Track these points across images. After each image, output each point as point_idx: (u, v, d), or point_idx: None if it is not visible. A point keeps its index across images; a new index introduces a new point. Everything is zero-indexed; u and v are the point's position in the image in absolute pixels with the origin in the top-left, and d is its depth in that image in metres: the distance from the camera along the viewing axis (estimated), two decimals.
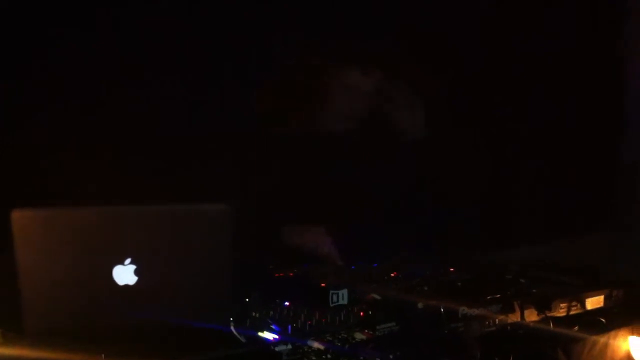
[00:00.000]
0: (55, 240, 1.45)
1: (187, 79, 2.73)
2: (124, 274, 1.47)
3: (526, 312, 1.77)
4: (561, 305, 1.81)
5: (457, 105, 3.02)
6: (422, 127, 2.67)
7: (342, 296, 1.68)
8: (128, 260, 1.47)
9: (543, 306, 1.79)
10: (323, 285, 1.71)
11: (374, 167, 2.49)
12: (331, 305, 1.67)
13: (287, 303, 1.68)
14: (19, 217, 1.44)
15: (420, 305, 1.68)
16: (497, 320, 1.73)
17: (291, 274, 1.83)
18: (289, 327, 1.55)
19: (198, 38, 2.71)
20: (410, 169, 2.55)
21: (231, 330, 1.52)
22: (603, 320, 1.82)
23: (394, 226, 2.39)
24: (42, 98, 2.54)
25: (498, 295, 1.76)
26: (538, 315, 1.78)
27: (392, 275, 1.92)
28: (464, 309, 1.69)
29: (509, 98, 3.20)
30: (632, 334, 1.88)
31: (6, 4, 2.46)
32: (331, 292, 1.67)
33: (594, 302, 1.87)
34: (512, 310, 1.75)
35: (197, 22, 2.73)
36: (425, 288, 1.79)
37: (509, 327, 1.74)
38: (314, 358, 1.49)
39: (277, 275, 1.83)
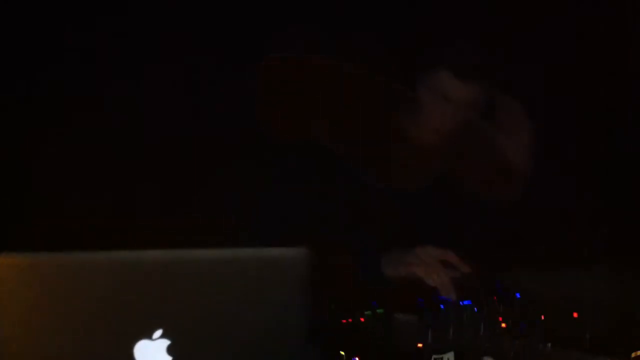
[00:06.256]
0: (52, 299, 0.99)
1: (187, 78, 2.73)
2: (152, 352, 1.02)
3: None
4: None
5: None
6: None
7: None
8: (158, 333, 1.02)
9: None
10: (420, 345, 1.30)
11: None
12: None
13: None
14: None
15: None
16: None
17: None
18: None
19: (198, 38, 2.72)
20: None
21: None
22: None
23: None
24: (39, 100, 2.53)
25: None
26: None
27: (500, 321, 1.50)
28: None
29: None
30: None
31: (5, 4, 2.45)
32: (434, 357, 1.27)
33: None
34: None
35: (197, 22, 2.74)
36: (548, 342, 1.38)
37: None
38: None
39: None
